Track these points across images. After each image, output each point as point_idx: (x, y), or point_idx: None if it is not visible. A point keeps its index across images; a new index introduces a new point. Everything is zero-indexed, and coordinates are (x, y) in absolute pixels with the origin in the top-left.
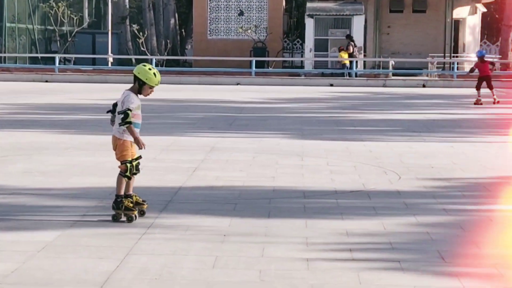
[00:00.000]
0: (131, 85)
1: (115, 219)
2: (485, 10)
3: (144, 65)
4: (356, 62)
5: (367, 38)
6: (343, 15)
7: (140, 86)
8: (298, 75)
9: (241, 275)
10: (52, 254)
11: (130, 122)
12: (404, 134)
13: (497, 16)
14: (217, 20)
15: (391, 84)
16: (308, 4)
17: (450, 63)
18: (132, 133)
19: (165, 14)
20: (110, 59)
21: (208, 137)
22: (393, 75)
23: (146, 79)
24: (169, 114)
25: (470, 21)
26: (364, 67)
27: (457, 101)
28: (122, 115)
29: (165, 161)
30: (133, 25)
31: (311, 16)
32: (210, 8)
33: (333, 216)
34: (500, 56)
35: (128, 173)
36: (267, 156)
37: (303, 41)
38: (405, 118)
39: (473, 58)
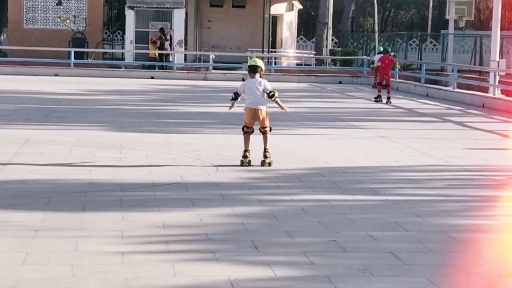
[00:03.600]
0: None
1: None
2: (301, 7)
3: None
4: (167, 55)
5: (188, 32)
6: (163, 7)
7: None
8: (119, 67)
9: (53, 271)
10: None
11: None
12: (222, 127)
13: (312, 13)
14: (34, 9)
15: (212, 78)
16: None
17: (268, 58)
18: (280, 103)
19: None
20: None
21: (22, 129)
22: (214, 68)
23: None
24: None
25: (287, 17)
26: (185, 60)
27: None
28: (273, 92)
29: None
30: None
31: (131, 8)
32: None
33: (150, 209)
34: (316, 52)
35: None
36: (84, 148)
37: (124, 32)
38: (224, 111)
39: (291, 53)
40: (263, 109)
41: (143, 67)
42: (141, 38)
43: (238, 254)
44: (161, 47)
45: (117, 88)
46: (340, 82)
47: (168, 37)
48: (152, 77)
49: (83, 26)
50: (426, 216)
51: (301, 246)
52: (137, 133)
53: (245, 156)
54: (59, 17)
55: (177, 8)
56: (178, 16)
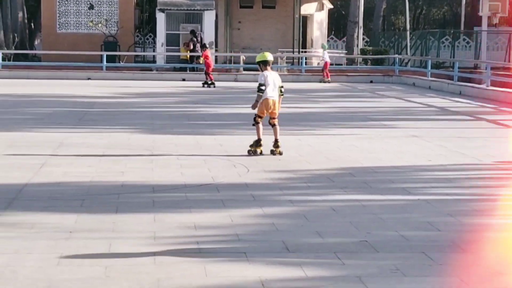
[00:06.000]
0: None
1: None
2: (331, 6)
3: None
4: (198, 57)
5: (218, 33)
6: (194, 10)
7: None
8: (150, 69)
9: (86, 272)
10: None
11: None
12: (253, 128)
13: (343, 12)
14: (66, 13)
15: (242, 79)
16: None
17: (298, 58)
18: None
19: (13, 7)
20: None
21: (56, 133)
22: (244, 70)
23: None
24: (16, 110)
25: (318, 17)
26: (216, 62)
27: (305, 95)
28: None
29: (11, 158)
30: None
31: (162, 10)
32: (59, 1)
33: (182, 210)
34: (346, 52)
35: None
36: (117, 151)
37: (155, 35)
38: (254, 112)
39: (321, 53)
40: (278, 100)
41: (174, 69)
42: (172, 40)
43: (268, 255)
44: (193, 49)
45: (149, 91)
46: (371, 82)
47: (199, 39)
48: (183, 79)
49: (115, 30)
50: (459, 215)
51: (332, 247)
52: (168, 135)
53: (260, 145)
54: (91, 21)
55: (207, 10)
56: (209, 18)
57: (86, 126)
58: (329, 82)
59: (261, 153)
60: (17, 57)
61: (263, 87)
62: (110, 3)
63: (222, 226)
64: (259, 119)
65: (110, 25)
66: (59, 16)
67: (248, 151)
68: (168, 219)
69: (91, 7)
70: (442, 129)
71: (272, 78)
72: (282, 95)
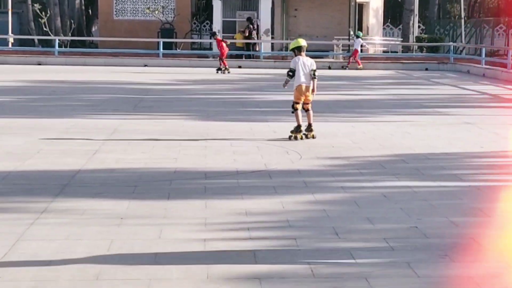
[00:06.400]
0: None
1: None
2: None
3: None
4: (254, 44)
5: (274, 21)
6: None
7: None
8: (207, 56)
9: (136, 258)
10: None
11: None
12: (304, 114)
13: (399, 0)
14: (123, 0)
15: None
16: None
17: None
18: (315, 85)
19: None
20: (11, 40)
21: (111, 119)
22: None
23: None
24: (71, 96)
25: (374, 4)
26: (272, 49)
27: (360, 82)
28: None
29: (64, 144)
30: (35, 5)
31: None
32: None
33: (233, 196)
34: (402, 39)
35: None
36: (170, 137)
37: (212, 22)
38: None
39: (377, 41)
40: (311, 86)
41: (231, 56)
42: (228, 27)
43: (319, 241)
44: (249, 36)
45: (204, 78)
46: (426, 69)
47: (255, 26)
48: (239, 66)
49: (171, 17)
50: (509, 201)
51: (382, 233)
52: (222, 122)
53: (301, 131)
54: (148, 8)
55: None
56: (265, 5)
57: (141, 113)
58: (361, 69)
59: (301, 138)
60: (74, 44)
61: (290, 73)
62: None
63: (273, 212)
64: (297, 106)
65: (166, 12)
66: (116, 3)
67: (289, 136)
68: (220, 205)
69: None
70: (495, 116)
71: (302, 63)
72: (315, 78)
